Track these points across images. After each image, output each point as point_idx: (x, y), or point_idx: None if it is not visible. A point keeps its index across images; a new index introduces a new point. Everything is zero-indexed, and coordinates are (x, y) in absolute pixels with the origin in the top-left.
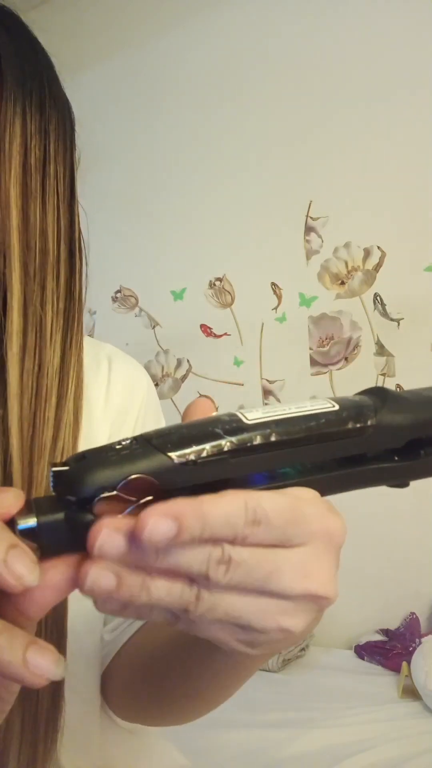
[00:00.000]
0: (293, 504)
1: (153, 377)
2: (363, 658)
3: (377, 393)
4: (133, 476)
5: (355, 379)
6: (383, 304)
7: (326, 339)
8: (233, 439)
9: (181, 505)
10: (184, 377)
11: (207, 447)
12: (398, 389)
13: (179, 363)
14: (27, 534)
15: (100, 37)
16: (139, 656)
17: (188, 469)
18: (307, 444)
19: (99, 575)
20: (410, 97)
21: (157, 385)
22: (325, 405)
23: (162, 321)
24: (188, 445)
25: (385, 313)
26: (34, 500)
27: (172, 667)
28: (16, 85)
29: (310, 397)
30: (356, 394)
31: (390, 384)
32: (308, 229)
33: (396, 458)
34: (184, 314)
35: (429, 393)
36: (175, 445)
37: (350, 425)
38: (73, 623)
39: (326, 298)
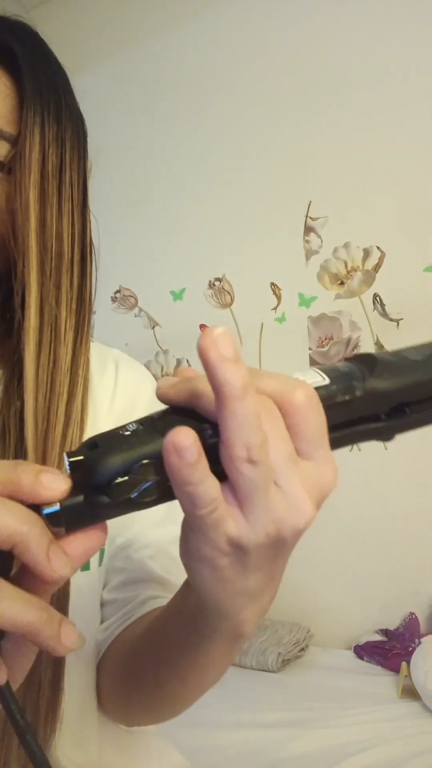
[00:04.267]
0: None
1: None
2: (362, 658)
3: (365, 360)
4: (144, 461)
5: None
6: (383, 305)
7: (326, 339)
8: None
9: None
10: None
11: (209, 428)
12: (384, 352)
13: (179, 363)
14: (51, 517)
15: (100, 37)
16: (123, 650)
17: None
18: None
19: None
20: (410, 97)
21: None
22: (315, 378)
23: (161, 321)
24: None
25: (384, 313)
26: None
27: (152, 654)
28: (35, 95)
29: (299, 370)
30: (346, 360)
31: None
32: (308, 230)
33: (383, 417)
34: (183, 314)
35: (414, 356)
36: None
37: (339, 398)
38: (73, 619)
39: (326, 298)
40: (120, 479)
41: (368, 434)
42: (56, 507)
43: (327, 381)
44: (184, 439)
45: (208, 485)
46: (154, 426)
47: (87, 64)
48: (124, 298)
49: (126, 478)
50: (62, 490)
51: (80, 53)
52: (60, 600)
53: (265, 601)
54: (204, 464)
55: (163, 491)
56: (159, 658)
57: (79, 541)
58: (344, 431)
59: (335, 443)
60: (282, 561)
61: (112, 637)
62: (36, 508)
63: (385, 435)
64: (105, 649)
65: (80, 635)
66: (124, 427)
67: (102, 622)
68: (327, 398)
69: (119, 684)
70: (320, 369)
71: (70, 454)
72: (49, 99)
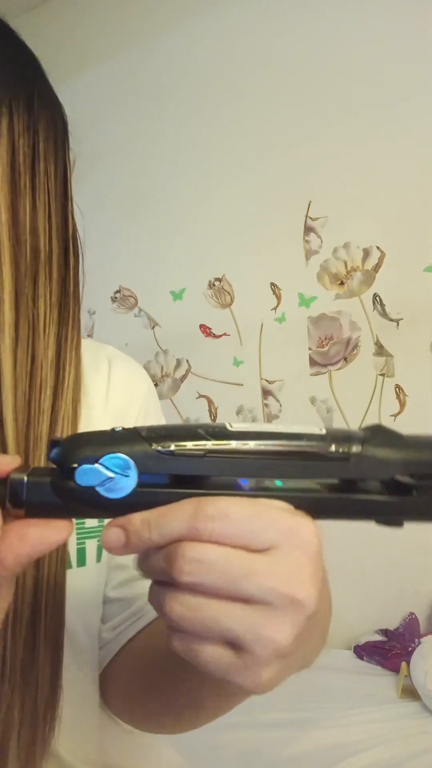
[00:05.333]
0: (255, 504)
1: (152, 377)
2: (362, 659)
3: (373, 427)
4: (113, 455)
5: (354, 379)
6: (382, 305)
7: (325, 339)
8: (213, 440)
9: (133, 515)
10: (183, 377)
11: (189, 444)
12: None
13: (178, 363)
14: (16, 488)
15: (100, 37)
16: (141, 661)
17: (165, 458)
18: (285, 458)
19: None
20: (409, 98)
21: (156, 385)
22: (313, 429)
23: (161, 321)
24: (172, 439)
25: (384, 314)
26: (32, 468)
27: (173, 677)
28: (1, 85)
29: (298, 424)
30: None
31: (389, 384)
32: (308, 230)
33: (387, 492)
34: (183, 314)
35: (426, 437)
36: (159, 438)
37: (333, 448)
38: (70, 618)
39: (325, 298)
40: (87, 465)
41: (369, 506)
42: (23, 479)
43: (323, 432)
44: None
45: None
46: (138, 431)
47: (87, 64)
48: (124, 298)
49: (94, 465)
50: (7, 461)
51: (80, 53)
52: (55, 596)
53: (294, 666)
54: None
55: (132, 494)
56: (165, 694)
57: (38, 528)
58: (342, 495)
59: (330, 507)
60: (316, 618)
61: (123, 640)
62: (4, 481)
63: (389, 513)
64: (115, 652)
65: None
66: (113, 429)
67: (106, 620)
68: (319, 445)
69: (129, 690)
70: (325, 427)
71: (53, 440)
72: (18, 88)
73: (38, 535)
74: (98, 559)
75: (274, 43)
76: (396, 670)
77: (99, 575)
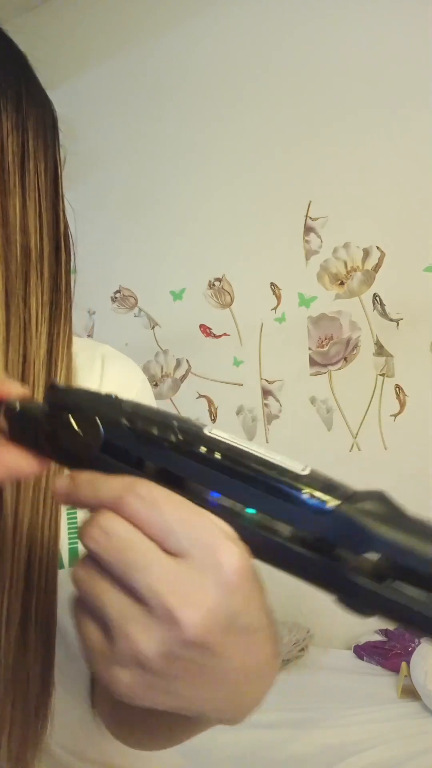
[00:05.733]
0: (192, 510)
1: (152, 377)
2: (362, 659)
3: (373, 492)
4: (87, 415)
5: (354, 379)
6: (382, 305)
7: (325, 339)
8: (181, 436)
9: (84, 471)
10: (183, 377)
11: (155, 429)
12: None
13: (178, 363)
14: (8, 413)
15: (100, 37)
16: None
17: (127, 433)
18: (248, 482)
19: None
20: (409, 98)
21: (156, 385)
22: (296, 465)
23: (161, 321)
24: (144, 420)
25: (384, 314)
26: (28, 401)
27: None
28: None
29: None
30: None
31: (389, 384)
32: (307, 230)
33: (358, 572)
34: (183, 314)
35: (425, 524)
36: (134, 416)
37: (306, 492)
38: (61, 617)
39: (325, 298)
40: (65, 414)
41: (332, 578)
42: (17, 407)
43: (306, 473)
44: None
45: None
46: (121, 403)
47: (87, 64)
48: (123, 298)
49: (69, 417)
50: (11, 387)
51: (80, 53)
52: (47, 595)
53: (246, 701)
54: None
55: (93, 456)
56: (126, 712)
57: (11, 454)
58: (309, 552)
59: (284, 558)
60: (219, 663)
61: None
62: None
63: (353, 594)
64: None
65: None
66: (107, 393)
67: None
68: (291, 482)
69: (106, 707)
70: (311, 467)
71: (53, 384)
72: (6, 87)
73: (12, 460)
74: None
75: (274, 43)
76: (396, 670)
77: None
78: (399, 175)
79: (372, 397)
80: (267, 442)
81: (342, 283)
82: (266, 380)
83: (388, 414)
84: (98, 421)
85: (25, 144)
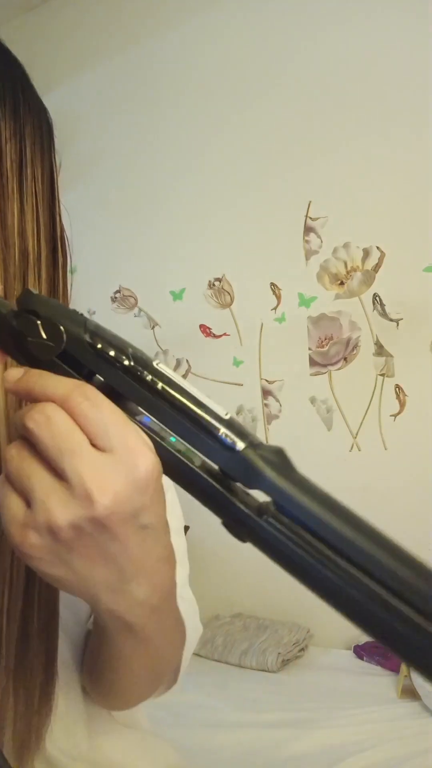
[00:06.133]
0: (125, 420)
1: None
2: (362, 658)
3: (276, 448)
4: (53, 322)
5: (354, 379)
6: (382, 305)
7: (325, 339)
8: (133, 362)
9: (36, 369)
10: (183, 377)
11: (112, 351)
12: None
13: (178, 363)
14: None
15: (100, 37)
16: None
17: (86, 348)
18: (177, 412)
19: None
20: (409, 98)
21: None
22: (221, 409)
23: (161, 321)
24: (103, 340)
25: (384, 314)
26: (3, 301)
27: (94, 643)
28: None
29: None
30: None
31: (389, 384)
32: (307, 230)
33: (246, 506)
34: (183, 314)
35: (315, 485)
36: (95, 334)
37: (222, 431)
38: (62, 610)
39: (325, 298)
40: (32, 317)
41: (223, 505)
42: None
43: (226, 417)
44: None
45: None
46: (85, 321)
47: (87, 64)
48: (123, 298)
49: (36, 320)
50: None
51: (80, 53)
52: (49, 591)
53: (138, 593)
54: None
55: (50, 361)
56: (93, 652)
57: None
58: (206, 479)
59: (188, 479)
60: (121, 550)
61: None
62: None
63: (239, 522)
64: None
65: None
66: (80, 312)
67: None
68: (210, 426)
69: (87, 672)
70: (239, 418)
71: (30, 291)
72: (4, 95)
73: None
74: None
75: (274, 43)
76: (396, 670)
77: None
78: (399, 175)
79: (372, 397)
80: (267, 442)
81: (342, 283)
82: (266, 380)
83: (388, 414)
84: (62, 330)
85: (23, 151)
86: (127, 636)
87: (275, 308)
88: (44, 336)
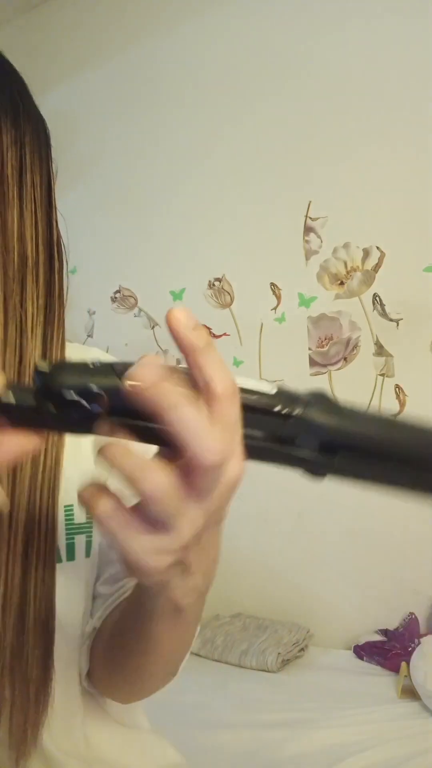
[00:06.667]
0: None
1: None
2: (362, 659)
3: (319, 395)
4: (92, 388)
5: (354, 379)
6: (382, 305)
7: (325, 339)
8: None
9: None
10: None
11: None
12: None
13: (178, 363)
14: (3, 407)
15: (100, 37)
16: (104, 633)
17: (134, 396)
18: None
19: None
20: (409, 98)
21: None
22: (266, 386)
23: (161, 321)
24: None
25: (384, 314)
26: (14, 385)
27: (120, 633)
28: None
29: (257, 379)
30: (305, 392)
31: (389, 384)
32: (307, 230)
33: (316, 452)
34: None
35: (363, 412)
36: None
37: (278, 408)
38: (59, 610)
39: (325, 298)
40: (69, 395)
41: (298, 461)
42: (11, 400)
43: (273, 391)
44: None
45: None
46: (113, 367)
47: (87, 63)
48: (123, 298)
49: (75, 397)
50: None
51: (80, 53)
52: (44, 583)
53: (196, 581)
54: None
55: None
56: (125, 636)
57: (16, 439)
58: (279, 448)
59: (265, 455)
60: (196, 547)
61: (100, 623)
62: None
63: (314, 469)
64: (95, 635)
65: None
66: (91, 362)
67: (94, 613)
68: (267, 405)
69: (104, 663)
70: (279, 385)
71: (39, 366)
72: (6, 104)
73: (16, 443)
74: (87, 554)
75: (274, 44)
76: (396, 670)
77: (87, 569)
78: (399, 175)
79: (372, 397)
80: None
81: (342, 283)
82: (266, 380)
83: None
84: (99, 390)
85: (23, 158)
86: (173, 618)
87: (275, 308)
88: (85, 404)
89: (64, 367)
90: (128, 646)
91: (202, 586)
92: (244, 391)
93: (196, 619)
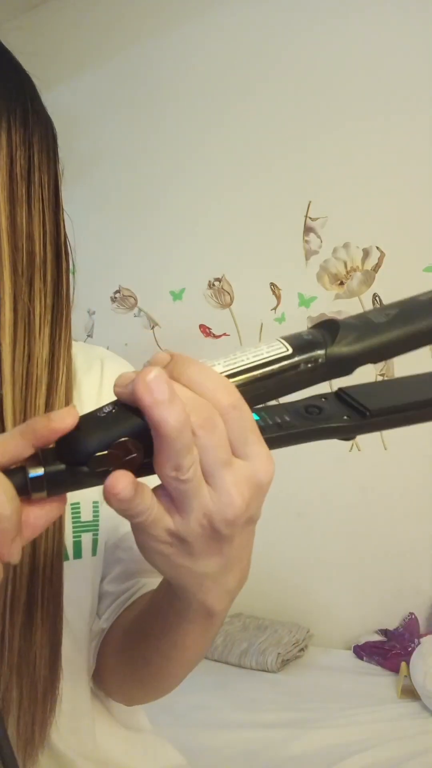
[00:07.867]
0: (255, 425)
1: None
2: (362, 659)
3: (328, 326)
4: (120, 440)
5: (354, 379)
6: (382, 305)
7: None
8: None
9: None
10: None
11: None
12: (348, 317)
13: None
14: (34, 482)
15: (100, 37)
16: (118, 633)
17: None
18: (264, 390)
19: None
20: (409, 98)
21: None
22: (279, 348)
23: (161, 321)
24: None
25: None
26: (41, 451)
27: (140, 634)
28: (1, 101)
29: (264, 342)
30: (310, 328)
31: None
32: (307, 230)
33: (346, 418)
34: (183, 314)
35: (378, 318)
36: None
37: (302, 367)
38: (66, 608)
39: (325, 298)
40: (99, 453)
41: (334, 431)
42: (40, 472)
43: (290, 351)
44: (117, 484)
45: (143, 499)
46: (127, 406)
47: (87, 64)
48: (123, 299)
49: (105, 452)
50: (74, 416)
51: (80, 53)
52: (52, 583)
53: (230, 583)
54: (139, 494)
55: (138, 466)
56: (145, 638)
57: (42, 512)
58: (311, 426)
59: (298, 438)
60: (230, 547)
61: (109, 623)
62: (20, 474)
63: (348, 433)
64: (105, 635)
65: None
66: (100, 410)
67: (102, 613)
68: (291, 367)
69: (116, 664)
70: (284, 338)
71: (59, 441)
72: (15, 104)
73: (41, 515)
74: (94, 552)
75: (274, 43)
76: (396, 670)
77: (94, 568)
78: (399, 175)
79: None
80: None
81: (342, 283)
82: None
83: None
84: (124, 436)
85: (32, 158)
86: (204, 622)
87: (275, 308)
88: (133, 451)
89: (83, 429)
90: (149, 649)
91: (237, 588)
92: (263, 365)
93: (222, 622)
